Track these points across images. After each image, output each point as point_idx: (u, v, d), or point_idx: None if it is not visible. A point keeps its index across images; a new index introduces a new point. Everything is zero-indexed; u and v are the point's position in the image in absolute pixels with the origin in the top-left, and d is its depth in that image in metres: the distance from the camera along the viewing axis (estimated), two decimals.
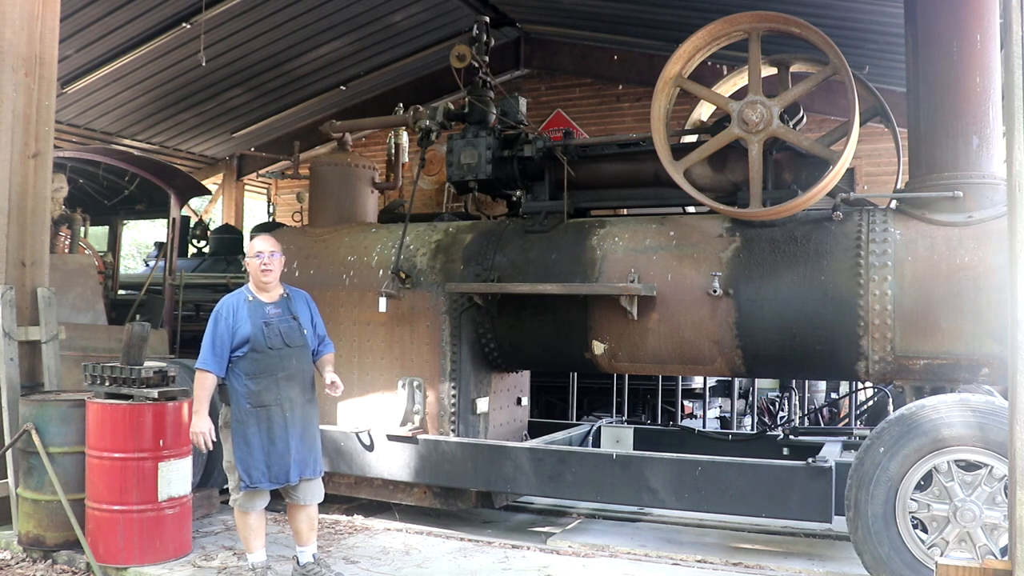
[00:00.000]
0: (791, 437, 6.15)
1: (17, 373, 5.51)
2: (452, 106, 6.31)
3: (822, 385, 9.65)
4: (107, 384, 4.98)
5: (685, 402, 8.96)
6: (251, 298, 4.51)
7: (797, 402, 9.16)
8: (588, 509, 6.32)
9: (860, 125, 4.94)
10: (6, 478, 5.40)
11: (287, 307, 4.57)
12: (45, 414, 5.04)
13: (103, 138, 12.70)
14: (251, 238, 11.52)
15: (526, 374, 6.78)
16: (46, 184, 5.89)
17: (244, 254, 11.16)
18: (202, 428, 4.36)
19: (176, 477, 4.94)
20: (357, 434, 5.96)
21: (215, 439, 4.44)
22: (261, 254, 4.50)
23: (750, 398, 8.95)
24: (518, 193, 6.36)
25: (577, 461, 5.34)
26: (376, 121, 7.69)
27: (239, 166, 15.29)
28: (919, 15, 4.98)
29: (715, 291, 5.14)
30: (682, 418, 8.72)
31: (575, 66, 12.37)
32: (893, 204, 5.20)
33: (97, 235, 10.79)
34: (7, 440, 5.28)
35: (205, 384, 4.38)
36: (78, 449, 5.00)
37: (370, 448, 5.93)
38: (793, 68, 5.87)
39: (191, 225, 12.35)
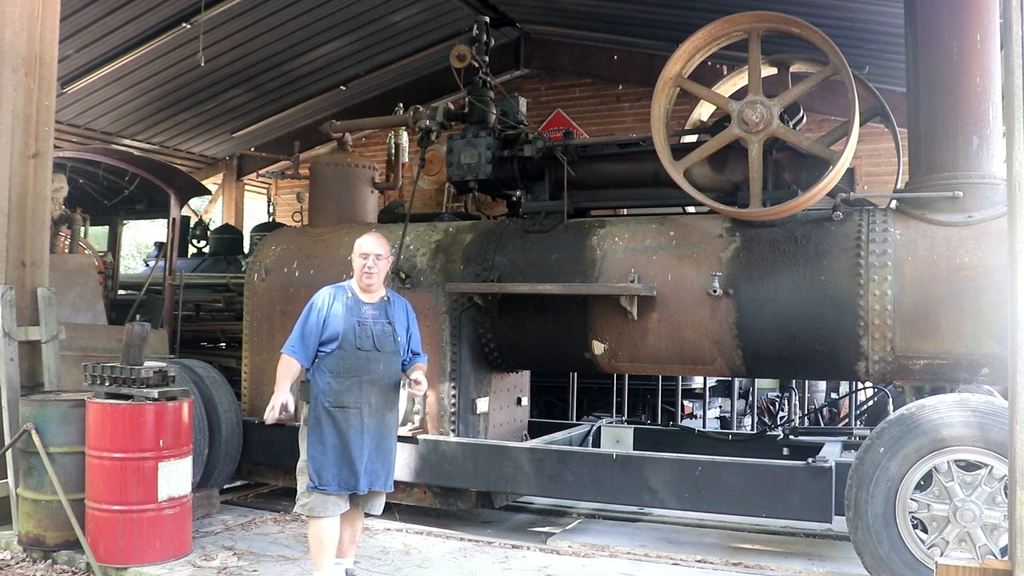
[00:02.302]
0: (791, 437, 6.15)
1: (17, 373, 5.51)
2: (452, 106, 6.31)
3: (822, 385, 9.65)
4: (107, 384, 4.98)
5: (685, 402, 8.96)
6: (351, 294, 4.39)
7: (797, 402, 9.16)
8: (588, 509, 6.32)
9: (860, 125, 4.94)
10: (6, 478, 5.40)
11: (385, 311, 4.43)
12: (45, 414, 5.04)
13: (103, 138, 12.70)
14: (252, 238, 11.57)
15: (526, 374, 6.78)
16: (46, 184, 5.89)
17: (244, 254, 11.22)
18: (279, 400, 4.21)
19: (176, 477, 4.94)
20: None
21: (291, 413, 4.29)
22: (367, 256, 4.38)
23: (750, 398, 8.95)
24: (518, 193, 6.36)
25: (577, 461, 5.34)
26: (376, 121, 7.68)
27: (239, 166, 15.29)
28: (919, 15, 4.98)
29: (715, 291, 5.14)
30: (682, 418, 8.72)
31: (575, 66, 12.37)
32: (893, 204, 5.20)
33: (97, 235, 10.78)
34: (7, 440, 5.28)
35: (289, 366, 4.29)
36: (78, 449, 5.00)
37: None
38: (793, 68, 5.87)
39: (191, 225, 12.34)
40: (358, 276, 4.43)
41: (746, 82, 5.33)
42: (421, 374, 4.45)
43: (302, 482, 4.28)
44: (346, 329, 4.28)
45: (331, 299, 4.35)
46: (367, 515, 4.58)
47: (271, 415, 4.22)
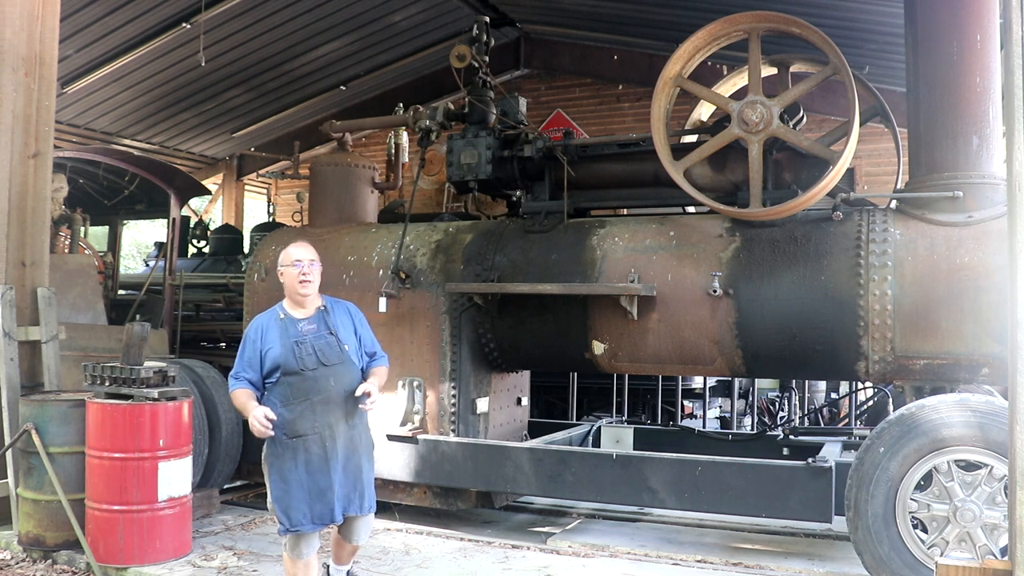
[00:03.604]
0: (791, 437, 6.15)
1: (17, 373, 5.52)
2: (452, 106, 6.31)
3: (822, 385, 9.64)
4: (107, 384, 4.98)
5: (685, 402, 8.96)
6: (283, 315, 4.06)
7: (797, 402, 9.16)
8: (588, 509, 6.32)
9: (860, 125, 4.94)
10: (6, 478, 5.40)
11: (323, 321, 4.09)
12: (45, 414, 5.05)
13: (103, 138, 12.70)
14: (252, 238, 11.56)
15: (526, 374, 6.78)
16: (46, 184, 5.89)
17: (244, 254, 11.22)
18: (261, 412, 3.83)
19: (176, 477, 4.94)
20: None
21: (272, 418, 3.87)
22: (300, 263, 4.04)
23: (750, 398, 8.95)
24: (518, 193, 6.36)
25: (577, 461, 5.34)
26: (376, 121, 7.68)
27: (239, 166, 15.29)
28: (919, 15, 4.98)
29: (715, 291, 5.14)
30: (682, 418, 8.71)
31: (575, 66, 12.37)
32: (893, 204, 5.20)
33: (97, 235, 10.78)
34: (7, 440, 5.28)
35: (238, 396, 3.98)
36: (78, 449, 5.00)
37: None
38: (793, 68, 5.87)
39: (191, 225, 12.34)
40: (292, 288, 4.07)
41: (746, 82, 5.33)
42: (373, 384, 4.04)
43: (277, 522, 3.99)
44: (284, 353, 3.94)
45: (264, 327, 4.02)
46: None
47: (263, 430, 3.84)
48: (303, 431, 3.94)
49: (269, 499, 4.02)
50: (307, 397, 3.96)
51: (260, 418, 3.83)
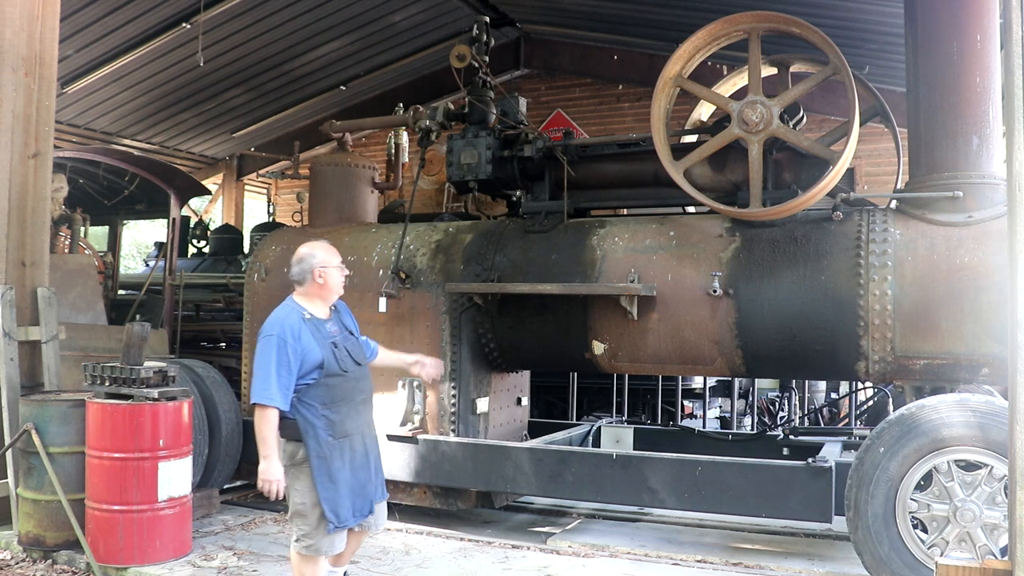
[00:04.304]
0: (791, 437, 6.14)
1: (17, 373, 5.51)
2: (452, 106, 6.31)
3: (822, 385, 9.64)
4: (107, 384, 4.98)
5: (685, 402, 8.96)
6: (308, 316, 3.91)
7: (797, 402, 9.16)
8: (588, 509, 6.32)
9: (860, 125, 4.94)
10: (6, 478, 5.40)
11: (340, 322, 4.07)
12: (45, 414, 5.04)
13: (103, 138, 12.70)
14: (252, 238, 11.55)
15: (526, 374, 6.78)
16: (46, 184, 5.89)
17: (244, 254, 11.21)
18: (276, 475, 3.74)
19: (176, 477, 4.94)
20: None
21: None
22: (341, 267, 4.04)
23: (750, 398, 8.95)
24: (518, 193, 6.36)
25: (577, 461, 5.34)
26: (376, 121, 7.68)
27: (239, 166, 15.29)
28: (919, 15, 4.98)
29: (715, 291, 5.14)
30: (682, 418, 8.71)
31: (575, 66, 12.37)
32: (893, 204, 5.20)
33: (97, 235, 10.79)
34: (7, 440, 5.28)
35: (272, 422, 3.75)
36: (78, 449, 5.00)
37: None
38: (793, 68, 5.87)
39: (191, 225, 12.35)
40: (333, 289, 4.01)
41: (746, 82, 5.33)
42: (416, 357, 4.38)
43: (303, 524, 3.86)
44: (325, 355, 3.85)
45: (295, 328, 3.83)
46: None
47: (272, 492, 3.75)
48: (350, 431, 3.93)
49: (299, 502, 3.86)
50: (351, 398, 3.95)
51: (279, 480, 3.74)
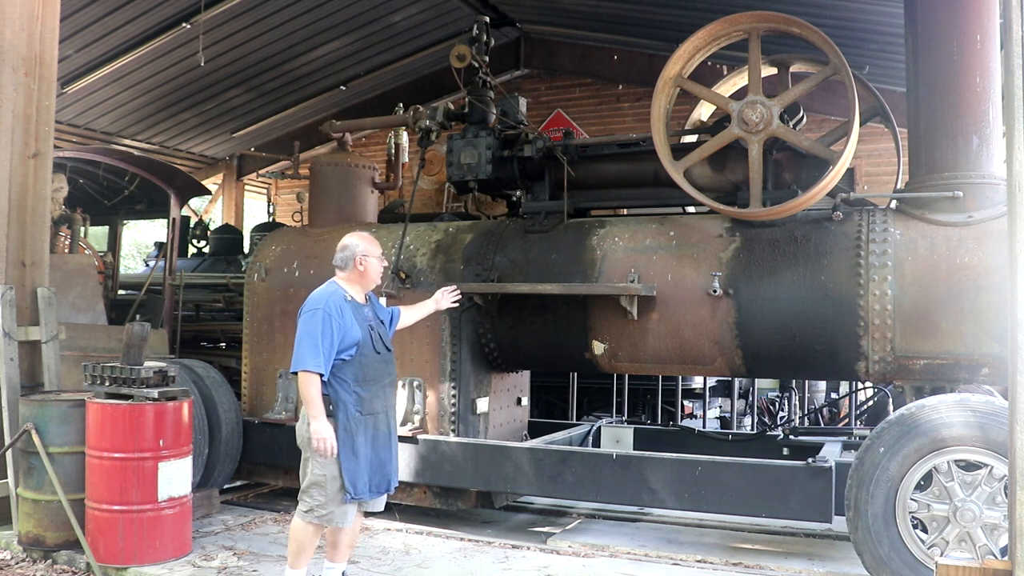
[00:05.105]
0: (791, 437, 6.15)
1: (17, 373, 5.51)
2: (452, 106, 6.31)
3: (822, 385, 9.65)
4: (107, 384, 4.98)
5: (685, 402, 8.96)
6: (350, 298, 4.23)
7: (797, 402, 9.16)
8: (588, 509, 6.32)
9: (860, 125, 4.94)
10: (6, 478, 5.40)
11: (375, 311, 4.41)
12: (45, 414, 5.04)
13: (103, 138, 12.69)
14: (252, 238, 11.55)
15: (526, 374, 6.78)
16: (46, 184, 5.89)
17: (244, 254, 11.21)
18: (328, 433, 4.01)
19: (176, 477, 4.94)
20: None
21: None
22: (380, 256, 4.36)
23: (750, 398, 8.95)
24: (518, 193, 6.36)
25: (577, 461, 5.34)
26: (376, 121, 7.68)
27: (239, 166, 15.29)
28: (919, 15, 4.98)
29: (715, 291, 5.14)
30: (682, 418, 8.71)
31: (575, 66, 12.36)
32: (893, 204, 5.20)
33: (97, 235, 10.77)
34: (7, 440, 5.28)
35: (318, 385, 4.03)
36: (78, 449, 5.00)
37: None
38: (793, 68, 5.87)
39: (191, 225, 12.34)
40: (372, 277, 4.34)
41: (746, 82, 5.33)
42: (434, 297, 4.84)
43: (317, 495, 4.08)
44: (363, 335, 4.16)
45: (339, 306, 4.13)
46: (371, 514, 4.57)
47: (327, 450, 4.01)
48: (376, 409, 4.21)
49: (317, 474, 4.07)
50: (380, 379, 4.24)
51: (331, 437, 4.02)
